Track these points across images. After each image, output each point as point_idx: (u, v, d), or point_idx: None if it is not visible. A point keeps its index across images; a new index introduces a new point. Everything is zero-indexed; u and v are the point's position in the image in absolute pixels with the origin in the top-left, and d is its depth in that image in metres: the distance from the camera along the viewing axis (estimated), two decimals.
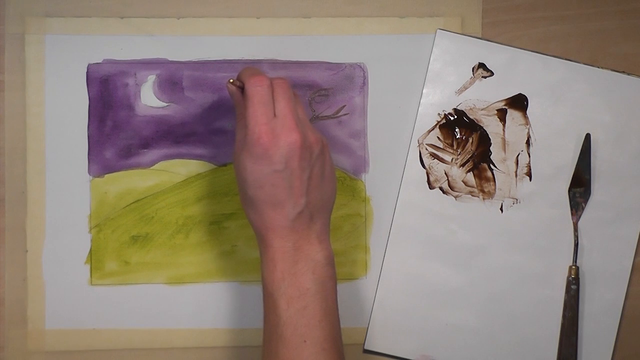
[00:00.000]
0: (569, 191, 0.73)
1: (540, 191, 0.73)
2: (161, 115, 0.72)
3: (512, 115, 0.73)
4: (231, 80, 0.62)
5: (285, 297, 0.58)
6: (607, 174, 0.73)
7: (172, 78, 0.72)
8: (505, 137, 0.73)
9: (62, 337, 0.71)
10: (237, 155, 0.61)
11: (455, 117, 0.73)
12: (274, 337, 0.59)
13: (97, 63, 0.71)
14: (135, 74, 0.72)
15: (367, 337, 0.73)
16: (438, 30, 0.72)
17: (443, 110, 0.73)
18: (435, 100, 0.73)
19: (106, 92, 0.71)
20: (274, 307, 0.59)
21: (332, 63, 0.73)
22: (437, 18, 0.73)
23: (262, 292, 0.61)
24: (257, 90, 0.60)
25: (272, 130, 0.59)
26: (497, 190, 0.73)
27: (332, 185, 0.63)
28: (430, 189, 0.73)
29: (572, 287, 0.72)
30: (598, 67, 0.73)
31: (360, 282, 0.73)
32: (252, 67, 0.64)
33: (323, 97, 0.73)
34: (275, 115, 0.60)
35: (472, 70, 0.73)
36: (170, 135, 0.72)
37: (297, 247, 0.60)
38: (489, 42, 0.73)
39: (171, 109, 0.72)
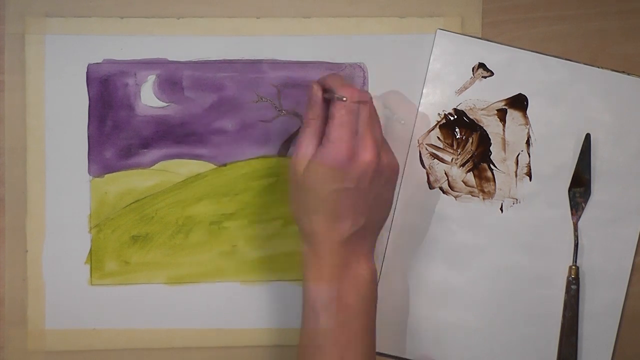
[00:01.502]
0: (569, 191, 0.73)
1: (540, 191, 0.73)
2: (161, 115, 0.72)
3: (512, 115, 0.73)
4: (316, 86, 0.62)
5: (329, 310, 0.59)
6: (607, 174, 0.73)
7: (172, 78, 0.72)
8: (505, 137, 0.73)
9: (62, 337, 0.71)
10: (311, 163, 0.59)
11: (455, 117, 0.73)
12: (311, 346, 0.59)
13: (97, 63, 0.71)
14: (135, 74, 0.72)
15: None
16: (438, 30, 0.72)
17: (443, 110, 0.73)
18: (435, 100, 0.73)
19: (106, 92, 0.71)
20: (315, 318, 0.59)
21: (332, 63, 0.73)
22: (437, 18, 0.73)
23: (296, 295, 0.62)
24: (347, 104, 0.59)
25: (352, 147, 0.59)
26: (497, 190, 0.73)
27: (388, 209, 0.64)
28: (430, 189, 0.73)
29: (572, 287, 0.72)
30: (598, 67, 0.73)
31: None
32: (340, 75, 0.64)
33: None
34: (356, 132, 0.60)
35: (472, 70, 0.73)
36: (170, 135, 0.72)
37: (346, 264, 0.60)
38: (489, 42, 0.73)
39: (171, 109, 0.72)
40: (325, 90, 0.62)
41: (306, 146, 0.60)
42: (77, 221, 0.71)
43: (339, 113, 0.59)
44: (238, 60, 0.72)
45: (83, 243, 0.72)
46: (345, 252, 0.60)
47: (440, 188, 0.73)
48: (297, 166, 0.61)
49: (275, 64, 0.72)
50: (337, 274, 0.59)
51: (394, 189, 0.64)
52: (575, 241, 0.72)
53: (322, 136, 0.60)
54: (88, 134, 0.71)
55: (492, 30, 0.73)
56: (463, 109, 0.73)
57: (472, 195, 0.73)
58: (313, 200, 0.59)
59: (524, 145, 0.73)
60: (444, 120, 0.73)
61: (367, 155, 0.59)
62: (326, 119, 0.61)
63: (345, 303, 0.59)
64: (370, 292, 0.61)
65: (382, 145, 0.62)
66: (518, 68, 0.72)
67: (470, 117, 0.73)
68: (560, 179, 0.73)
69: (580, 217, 0.73)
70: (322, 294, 0.59)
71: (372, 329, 0.61)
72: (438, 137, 0.73)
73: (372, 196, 0.61)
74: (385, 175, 0.61)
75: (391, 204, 0.64)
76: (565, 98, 0.73)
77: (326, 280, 0.59)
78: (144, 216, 0.72)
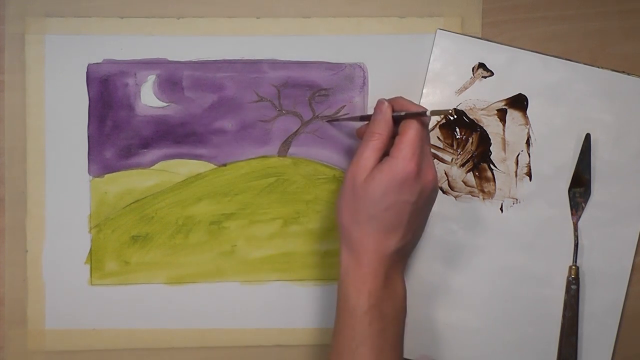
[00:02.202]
0: (569, 191, 0.73)
1: (540, 191, 0.73)
2: (161, 115, 0.72)
3: (512, 115, 0.73)
4: (387, 103, 0.64)
5: (368, 316, 0.60)
6: (607, 174, 0.73)
7: (172, 78, 0.72)
8: (505, 137, 0.73)
9: (62, 337, 0.71)
10: (377, 174, 0.61)
11: (455, 117, 0.73)
12: (347, 350, 0.61)
13: (97, 63, 0.71)
14: (135, 74, 0.72)
15: None
16: (438, 30, 0.72)
17: None
18: (435, 100, 0.73)
19: (106, 92, 0.71)
20: (352, 322, 0.61)
21: (332, 63, 0.73)
22: (437, 18, 0.73)
23: (334, 303, 0.63)
24: (421, 128, 0.62)
25: (420, 164, 0.61)
26: (497, 190, 0.73)
27: (423, 230, 0.66)
28: None
29: (572, 287, 0.72)
30: (598, 67, 0.73)
31: None
32: (406, 99, 0.66)
33: (323, 97, 0.73)
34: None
35: (472, 70, 0.73)
36: (170, 135, 0.72)
37: (388, 276, 0.62)
38: (489, 42, 0.73)
39: (171, 109, 0.72)
40: (394, 109, 0.64)
41: (367, 158, 0.62)
42: (77, 221, 0.71)
43: (415, 132, 0.61)
44: (238, 60, 0.72)
45: (83, 243, 0.72)
46: (388, 265, 0.62)
47: (440, 188, 0.73)
48: (357, 176, 0.62)
49: (275, 64, 0.72)
50: (379, 285, 0.61)
51: (430, 211, 0.66)
52: (575, 241, 0.72)
53: (384, 151, 0.63)
54: (88, 134, 0.71)
55: (492, 30, 0.73)
56: (463, 109, 0.73)
57: (472, 195, 0.73)
58: (370, 210, 0.61)
59: (524, 145, 0.73)
60: (444, 120, 0.73)
61: (430, 173, 0.62)
62: (389, 136, 0.63)
63: (383, 312, 0.61)
64: (403, 304, 0.63)
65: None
66: (518, 68, 0.72)
67: (470, 117, 0.73)
68: (560, 179, 0.73)
69: (580, 217, 0.73)
70: (363, 302, 0.61)
71: (402, 338, 0.64)
72: (438, 137, 0.73)
73: (422, 215, 0.64)
74: (433, 197, 0.64)
75: (425, 225, 0.67)
76: (565, 98, 0.73)
77: (368, 290, 0.61)
78: (144, 216, 0.72)
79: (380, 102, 0.64)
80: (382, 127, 0.63)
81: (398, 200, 0.61)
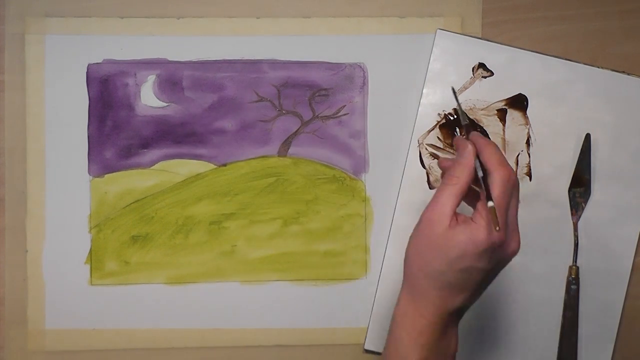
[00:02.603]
0: (569, 191, 0.73)
1: (540, 191, 0.73)
2: (161, 115, 0.72)
3: (512, 115, 0.73)
4: (472, 147, 0.58)
5: None
6: (607, 174, 0.73)
7: (172, 78, 0.72)
8: (505, 137, 0.73)
9: (62, 337, 0.71)
10: (459, 235, 0.57)
11: (455, 117, 0.73)
12: None
13: (97, 63, 0.71)
14: (135, 74, 0.72)
15: (367, 337, 0.73)
16: (438, 30, 0.72)
17: (443, 110, 0.73)
18: (435, 100, 0.73)
19: (106, 92, 0.71)
20: None
21: (332, 63, 0.73)
22: (437, 18, 0.73)
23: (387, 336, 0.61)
24: (505, 189, 0.57)
25: (505, 233, 0.57)
26: None
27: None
28: (430, 189, 0.73)
29: (572, 287, 0.72)
30: (598, 67, 0.73)
31: (360, 282, 0.73)
32: (498, 148, 0.59)
33: (323, 97, 0.73)
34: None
35: (472, 70, 0.73)
36: (170, 135, 0.72)
37: (444, 331, 0.60)
38: (489, 42, 0.73)
39: (171, 109, 0.72)
40: (479, 155, 0.58)
41: (444, 204, 0.58)
42: (77, 221, 0.71)
43: (501, 189, 0.57)
44: (238, 60, 0.72)
45: (83, 243, 0.72)
46: (447, 321, 0.60)
47: None
48: (434, 222, 0.58)
49: (275, 64, 0.72)
50: (434, 339, 0.59)
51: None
52: (575, 241, 0.72)
53: (462, 197, 0.58)
54: (88, 134, 0.71)
55: (492, 30, 0.73)
56: (463, 109, 0.73)
57: None
58: (443, 267, 0.58)
59: (524, 145, 0.73)
60: (444, 120, 0.73)
61: (514, 245, 0.59)
62: (469, 182, 0.58)
63: None
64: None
65: None
66: (518, 68, 0.72)
67: (470, 117, 0.73)
68: (560, 179, 0.73)
69: (580, 217, 0.73)
70: (416, 354, 0.59)
71: None
72: (438, 137, 0.73)
73: (492, 276, 0.61)
74: (509, 261, 0.61)
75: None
76: (565, 98, 0.73)
77: (422, 343, 0.59)
78: (144, 216, 0.72)
79: (462, 144, 0.59)
80: (461, 172, 0.58)
81: (474, 266, 0.57)
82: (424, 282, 0.59)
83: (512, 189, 0.57)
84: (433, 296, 0.59)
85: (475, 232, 0.56)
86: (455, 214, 0.58)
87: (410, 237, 0.60)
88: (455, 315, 0.60)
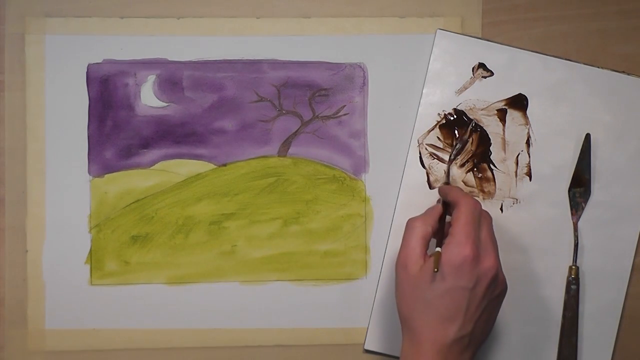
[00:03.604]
0: (569, 191, 0.73)
1: (540, 191, 0.73)
2: (161, 115, 0.72)
3: (512, 115, 0.73)
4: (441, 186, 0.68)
5: None
6: (607, 174, 0.73)
7: (172, 78, 0.72)
8: (505, 137, 0.73)
9: (62, 337, 0.71)
10: (432, 260, 0.61)
11: (455, 117, 0.73)
12: None
13: (97, 63, 0.71)
14: (135, 74, 0.72)
15: (367, 337, 0.73)
16: (438, 30, 0.72)
17: (443, 110, 0.73)
18: (435, 100, 0.73)
19: (106, 92, 0.71)
20: None
21: (332, 63, 0.73)
22: (437, 18, 0.73)
23: None
24: (472, 214, 0.62)
25: (478, 249, 0.61)
26: (497, 190, 0.73)
27: (492, 326, 0.65)
28: (430, 189, 0.73)
29: (572, 287, 0.72)
30: (598, 67, 0.73)
31: (360, 282, 0.73)
32: (458, 187, 0.70)
33: (323, 97, 0.73)
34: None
35: (472, 70, 0.73)
36: (170, 135, 0.72)
37: None
38: (489, 42, 0.73)
39: (171, 109, 0.72)
40: (442, 195, 0.67)
41: (413, 248, 0.63)
42: (77, 221, 0.71)
43: (463, 216, 0.62)
44: (238, 60, 0.72)
45: (83, 243, 0.72)
46: (447, 355, 0.60)
47: None
48: (409, 267, 0.62)
49: (275, 64, 0.72)
50: None
51: (499, 307, 0.65)
52: (575, 241, 0.72)
53: (429, 239, 0.64)
54: (88, 134, 0.71)
55: (492, 30, 0.73)
56: (463, 109, 0.73)
57: (472, 195, 0.73)
58: (427, 297, 0.61)
59: (524, 145, 0.73)
60: (444, 120, 0.73)
61: (490, 260, 0.61)
62: (434, 223, 0.64)
63: None
64: None
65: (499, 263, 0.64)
66: (518, 68, 0.72)
67: (470, 117, 0.73)
68: (560, 179, 0.73)
69: (580, 217, 0.73)
70: None
71: None
72: (438, 137, 0.73)
73: (484, 304, 0.62)
74: (498, 289, 0.63)
75: (494, 322, 0.65)
76: (565, 98, 0.73)
77: None
78: (144, 216, 0.72)
79: (443, 193, 0.67)
80: (432, 215, 0.65)
81: (455, 286, 0.60)
82: (417, 321, 0.61)
83: (479, 214, 0.63)
84: (427, 332, 0.60)
85: (447, 252, 0.61)
86: (426, 255, 0.63)
87: (395, 289, 0.64)
88: (457, 349, 0.61)
